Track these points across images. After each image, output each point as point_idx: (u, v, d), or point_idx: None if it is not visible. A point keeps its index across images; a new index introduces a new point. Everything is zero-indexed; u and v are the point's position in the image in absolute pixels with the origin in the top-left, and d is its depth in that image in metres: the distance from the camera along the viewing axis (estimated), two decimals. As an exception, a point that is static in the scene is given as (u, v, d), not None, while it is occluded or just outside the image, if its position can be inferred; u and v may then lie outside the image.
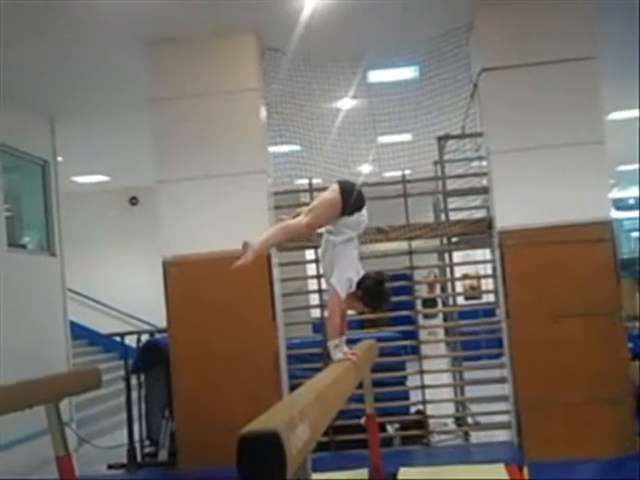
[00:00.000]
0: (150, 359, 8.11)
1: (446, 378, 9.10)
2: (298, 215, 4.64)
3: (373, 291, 4.49)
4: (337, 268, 4.50)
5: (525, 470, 6.06)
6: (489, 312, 8.94)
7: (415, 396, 8.26)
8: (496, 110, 7.21)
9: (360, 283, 4.47)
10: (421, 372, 7.95)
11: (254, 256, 4.46)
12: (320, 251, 4.83)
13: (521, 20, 7.12)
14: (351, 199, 4.54)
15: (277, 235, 4.58)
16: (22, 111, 8.65)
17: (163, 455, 7.79)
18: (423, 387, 7.87)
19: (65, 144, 9.66)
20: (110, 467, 7.99)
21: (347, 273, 4.45)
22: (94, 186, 14.57)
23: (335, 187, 4.56)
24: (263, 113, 7.53)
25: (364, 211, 4.62)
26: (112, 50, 7.40)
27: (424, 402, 7.88)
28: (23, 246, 9.08)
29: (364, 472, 6.08)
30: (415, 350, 8.17)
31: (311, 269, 8.17)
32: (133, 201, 15.86)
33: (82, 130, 10.22)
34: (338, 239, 4.55)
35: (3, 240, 8.05)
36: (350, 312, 5.17)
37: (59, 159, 9.58)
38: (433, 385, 8.03)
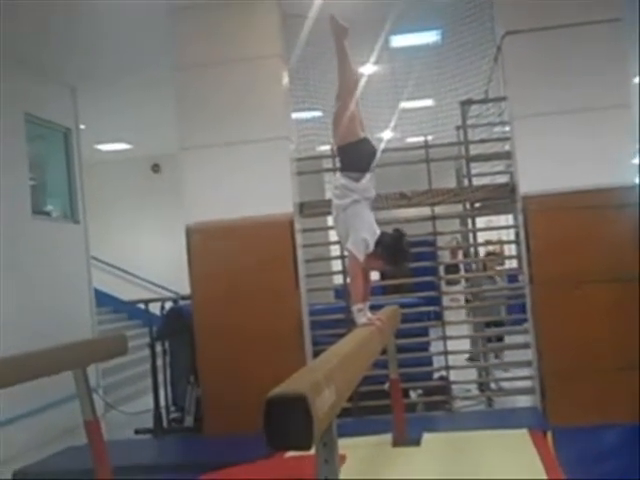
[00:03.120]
0: (174, 326, 8.17)
1: (469, 344, 9.11)
2: None
3: (393, 247, 4.51)
4: (351, 231, 4.52)
5: (549, 435, 6.06)
6: (512, 278, 8.93)
7: (438, 362, 8.27)
8: (520, 74, 7.12)
9: (379, 242, 4.48)
10: (444, 338, 7.95)
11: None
12: (332, 217, 4.83)
13: (546, -19, 7.01)
14: (352, 152, 4.60)
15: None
16: (44, 79, 8.68)
17: (189, 421, 7.87)
18: (446, 353, 7.87)
19: (87, 112, 9.69)
20: (137, 432, 8.09)
21: (361, 234, 4.47)
22: (117, 154, 14.62)
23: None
24: (285, 79, 7.50)
25: (366, 179, 4.61)
26: (134, 16, 7.37)
27: (447, 368, 7.89)
28: (47, 213, 9.14)
29: (388, 437, 6.11)
30: (438, 316, 8.17)
31: (333, 235, 8.13)
32: (155, 168, 15.90)
33: (104, 98, 10.24)
34: (343, 202, 4.57)
35: (28, 208, 8.12)
36: (372, 278, 5.20)
37: (82, 127, 9.61)
38: (456, 351, 8.04)
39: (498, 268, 10.42)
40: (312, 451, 2.34)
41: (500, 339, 9.91)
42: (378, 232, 4.56)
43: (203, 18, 7.32)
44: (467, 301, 8.84)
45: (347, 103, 4.65)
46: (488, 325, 8.97)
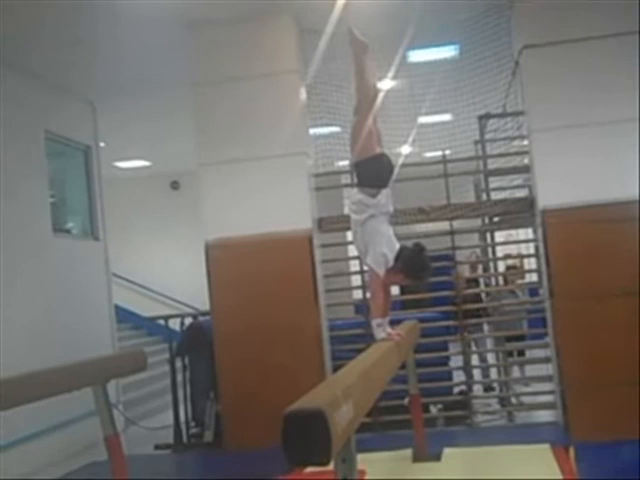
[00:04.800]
0: (194, 341, 8.18)
1: (490, 359, 9.07)
2: None
3: (413, 261, 4.49)
4: (370, 246, 4.51)
5: (571, 451, 6.01)
6: (533, 291, 8.87)
7: (458, 377, 8.24)
8: (538, 88, 7.11)
9: (398, 256, 4.46)
10: (464, 353, 7.92)
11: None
12: (351, 232, 4.83)
13: (563, -5, 7.00)
14: (369, 168, 4.59)
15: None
16: (64, 97, 8.74)
17: (208, 436, 7.88)
18: (466, 368, 7.84)
19: (107, 130, 9.74)
20: (157, 447, 8.10)
21: (380, 249, 4.46)
22: (136, 171, 14.69)
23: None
24: (303, 95, 7.52)
25: (382, 195, 4.59)
26: (153, 34, 7.42)
27: (467, 382, 7.85)
28: (68, 231, 9.19)
29: (408, 452, 6.09)
30: (458, 331, 8.14)
31: (352, 250, 8.14)
32: (174, 185, 15.97)
33: (124, 116, 10.29)
34: (360, 217, 4.56)
35: (48, 225, 8.16)
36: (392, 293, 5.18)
37: (101, 145, 9.67)
38: (476, 365, 7.99)
39: (519, 282, 10.37)
40: (331, 466, 2.34)
41: (521, 353, 9.84)
42: (397, 246, 4.55)
43: (221, 35, 7.37)
44: (488, 315, 8.79)
45: (365, 117, 4.65)
46: (509, 339, 8.93)
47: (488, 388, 9.25)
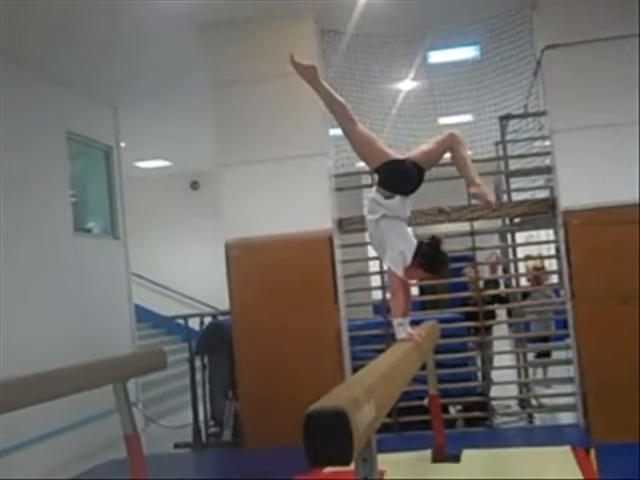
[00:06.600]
0: (213, 341, 8.20)
1: (509, 360, 9.02)
2: None
3: (431, 255, 4.44)
4: (387, 246, 4.48)
5: (592, 452, 5.97)
6: (554, 292, 8.82)
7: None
8: (560, 88, 7.07)
9: (417, 252, 4.42)
10: (483, 354, 7.88)
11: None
12: (368, 234, 4.79)
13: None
14: (389, 174, 4.56)
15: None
16: (86, 98, 8.79)
17: (227, 435, 7.89)
18: (485, 369, 7.80)
19: (127, 130, 9.79)
20: (176, 446, 8.12)
21: (398, 247, 4.42)
22: (156, 171, 14.74)
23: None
24: (323, 95, 7.50)
25: (396, 199, 4.55)
26: (173, 34, 7.45)
27: (486, 384, 7.81)
28: (88, 230, 9.24)
29: (427, 453, 6.07)
30: (477, 331, 8.11)
31: (372, 250, 8.12)
32: (194, 185, 16.01)
33: (144, 116, 10.33)
34: (373, 217, 4.53)
35: (69, 225, 8.21)
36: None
37: (122, 145, 9.71)
38: (496, 367, 7.96)
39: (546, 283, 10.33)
40: (351, 466, 2.33)
41: (547, 354, 9.76)
42: (415, 243, 4.51)
43: (240, 35, 7.37)
44: (509, 315, 8.74)
45: (353, 130, 4.62)
46: (532, 340, 8.88)
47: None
